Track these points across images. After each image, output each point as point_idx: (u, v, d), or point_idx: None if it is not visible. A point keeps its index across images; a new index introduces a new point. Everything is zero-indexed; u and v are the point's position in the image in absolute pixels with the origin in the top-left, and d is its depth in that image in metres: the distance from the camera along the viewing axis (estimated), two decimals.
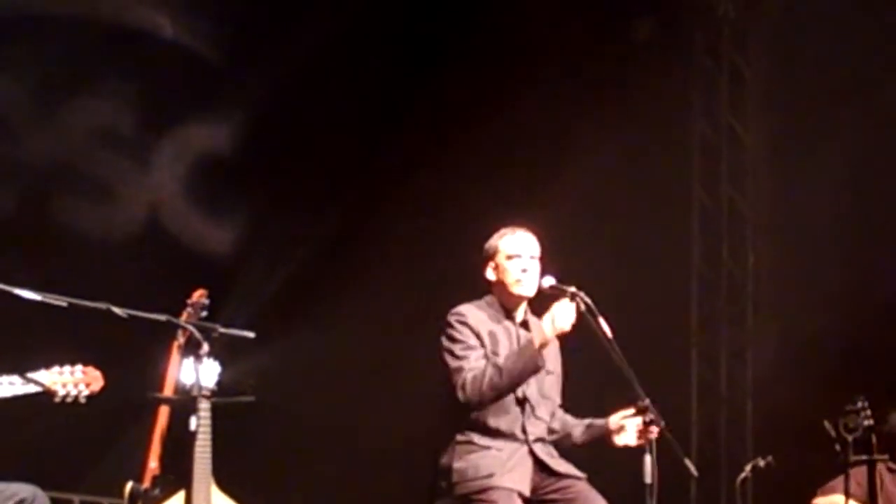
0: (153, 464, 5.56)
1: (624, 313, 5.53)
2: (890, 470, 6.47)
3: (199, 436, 5.00)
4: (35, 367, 4.82)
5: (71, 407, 4.83)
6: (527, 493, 5.28)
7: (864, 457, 6.01)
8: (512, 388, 5.29)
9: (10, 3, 7.74)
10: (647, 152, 9.38)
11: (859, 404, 5.90)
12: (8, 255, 7.02)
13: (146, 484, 5.55)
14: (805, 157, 9.32)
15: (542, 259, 5.53)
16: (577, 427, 5.57)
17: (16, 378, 4.76)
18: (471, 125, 9.02)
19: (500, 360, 5.27)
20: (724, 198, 10.12)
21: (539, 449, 5.39)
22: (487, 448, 5.29)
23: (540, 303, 5.57)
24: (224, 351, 5.04)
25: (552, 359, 5.62)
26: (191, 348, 5.02)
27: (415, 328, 6.95)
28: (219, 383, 5.09)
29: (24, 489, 4.82)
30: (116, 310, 4.61)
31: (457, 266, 6.53)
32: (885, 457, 6.29)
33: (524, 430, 5.38)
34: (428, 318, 5.92)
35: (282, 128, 8.65)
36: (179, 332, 5.51)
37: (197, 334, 4.83)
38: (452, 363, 5.34)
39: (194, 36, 8.24)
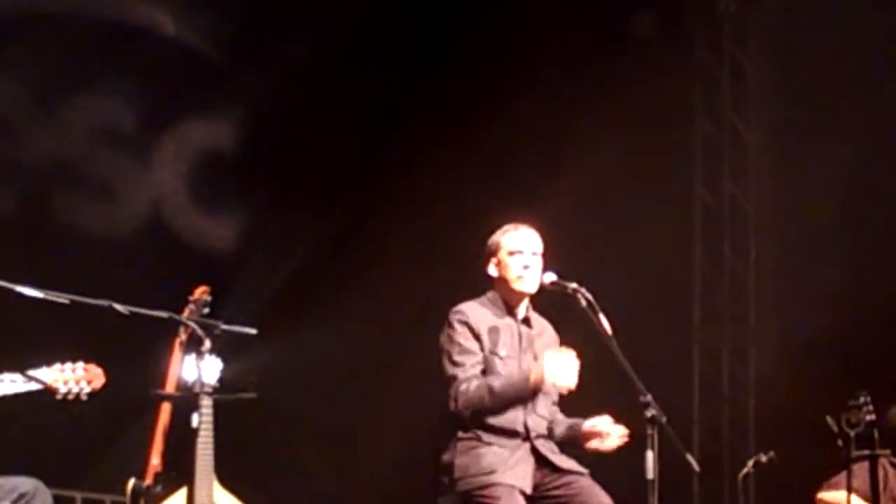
0: (155, 461, 5.57)
1: (626, 310, 5.54)
2: (893, 465, 6.46)
3: (201, 432, 5.01)
4: (37, 365, 4.82)
5: (73, 404, 4.83)
6: (528, 490, 5.28)
7: (866, 452, 6.00)
8: (501, 411, 5.30)
9: (10, 3, 7.74)
10: (648, 150, 9.36)
11: (861, 399, 5.89)
12: (10, 252, 7.03)
13: (148, 481, 5.57)
14: (807, 154, 9.30)
15: (544, 256, 5.53)
16: (561, 425, 5.57)
17: (17, 376, 4.76)
18: (471, 125, 9.02)
19: (495, 384, 5.28)
20: (726, 195, 10.10)
21: (541, 445, 5.39)
22: (489, 444, 5.29)
23: (542, 299, 5.58)
24: (226, 348, 5.05)
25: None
26: (193, 345, 5.02)
27: (416, 325, 6.95)
28: (221, 380, 5.10)
29: (26, 482, 4.82)
30: (118, 307, 4.61)
31: (457, 265, 6.54)
32: (888, 452, 6.29)
33: (526, 427, 5.38)
34: (429, 315, 5.92)
35: (283, 126, 8.66)
36: (181, 329, 5.52)
37: (199, 331, 4.84)
38: (448, 369, 5.36)
39: (195, 34, 8.25)
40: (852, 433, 5.83)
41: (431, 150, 8.92)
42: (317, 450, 8.54)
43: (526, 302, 5.57)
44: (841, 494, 6.15)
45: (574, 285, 5.27)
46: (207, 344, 4.79)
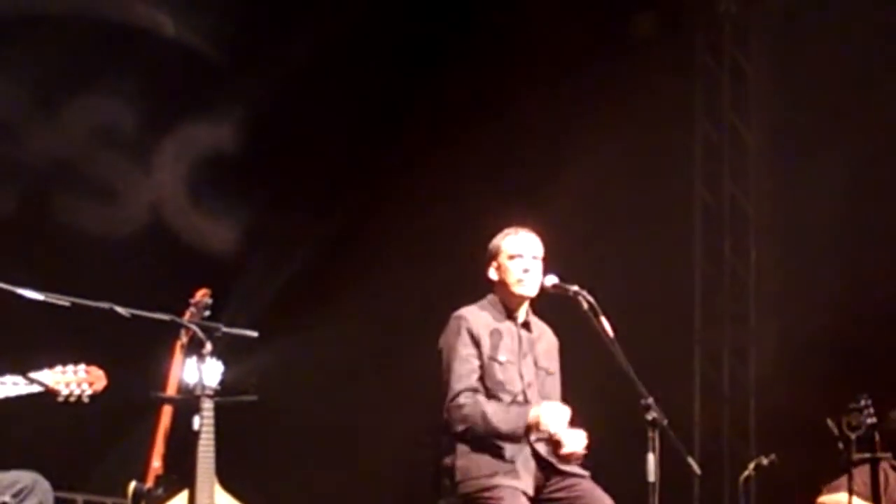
0: (156, 463, 5.56)
1: (626, 312, 5.53)
2: (893, 468, 6.46)
3: (203, 435, 4.99)
4: (38, 367, 4.82)
5: (74, 407, 4.83)
6: (530, 492, 5.28)
7: (867, 455, 6.00)
8: (492, 440, 5.29)
9: (10, 3, 7.73)
10: (648, 150, 9.36)
11: (862, 402, 5.89)
12: (10, 254, 7.02)
13: (149, 483, 5.55)
14: (808, 154, 9.31)
15: (545, 259, 5.53)
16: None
17: (19, 378, 4.75)
18: (471, 125, 9.01)
19: (490, 412, 5.26)
20: (727, 196, 10.11)
21: (542, 448, 5.38)
22: (490, 448, 5.30)
23: (543, 302, 5.58)
24: (227, 350, 5.04)
25: (551, 359, 5.63)
26: (194, 348, 5.00)
27: (416, 325, 6.95)
28: (222, 383, 5.08)
29: (25, 476, 4.81)
30: (119, 309, 4.59)
31: (457, 265, 6.54)
32: (889, 454, 6.28)
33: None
34: (429, 315, 5.92)
35: (283, 127, 8.66)
36: (182, 332, 5.51)
37: (200, 333, 4.83)
38: (445, 376, 5.38)
39: (195, 35, 8.25)
40: (853, 436, 5.83)
41: (431, 151, 8.92)
42: (318, 452, 8.54)
43: (526, 306, 5.58)
44: (841, 497, 6.15)
45: (575, 288, 5.27)
46: (208, 346, 4.78)
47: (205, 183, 8.36)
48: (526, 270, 5.47)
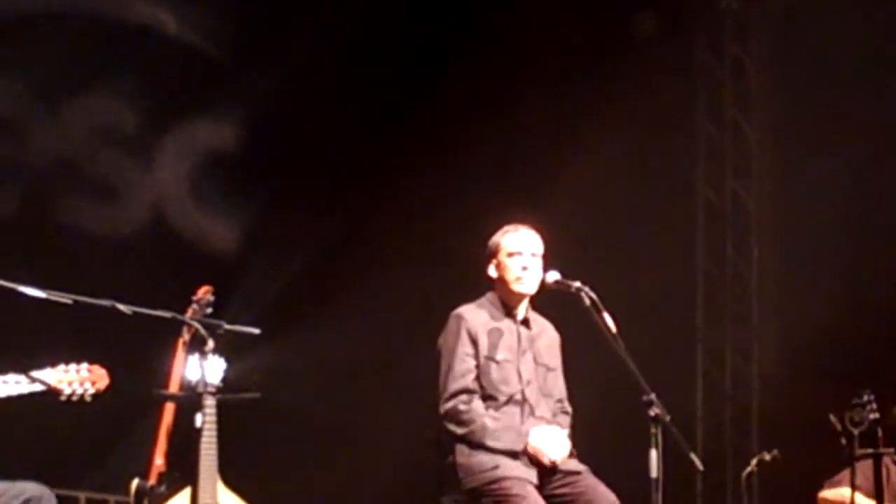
0: (159, 461, 5.57)
1: (628, 310, 5.53)
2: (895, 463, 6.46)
3: (205, 432, 5.00)
4: (40, 366, 4.80)
5: (77, 405, 4.82)
6: (535, 482, 5.28)
7: (869, 450, 6.00)
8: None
9: (10, 3, 7.74)
10: (650, 149, 9.36)
11: (865, 398, 5.88)
12: (12, 253, 7.03)
13: (152, 481, 5.56)
14: (809, 152, 9.30)
15: (545, 257, 5.53)
16: None
17: (21, 377, 4.74)
18: (471, 125, 9.01)
19: (490, 430, 5.29)
20: (729, 194, 10.10)
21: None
22: (490, 446, 5.30)
23: (543, 298, 5.58)
24: (229, 348, 5.04)
25: (552, 355, 5.63)
26: (196, 345, 5.01)
27: (416, 325, 6.95)
28: (224, 380, 5.10)
29: (32, 487, 4.79)
30: (122, 307, 4.59)
31: (457, 265, 6.54)
32: (891, 450, 6.27)
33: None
34: (429, 315, 5.93)
35: (285, 126, 8.65)
36: (185, 329, 5.52)
37: (202, 331, 4.82)
38: (442, 377, 5.40)
39: (196, 34, 8.25)
40: (856, 432, 5.82)
41: (432, 151, 8.91)
42: (320, 449, 8.53)
43: (525, 303, 5.58)
44: (842, 491, 6.15)
45: (577, 284, 5.27)
46: (211, 344, 4.78)
47: (206, 182, 8.37)
48: (525, 268, 5.48)
